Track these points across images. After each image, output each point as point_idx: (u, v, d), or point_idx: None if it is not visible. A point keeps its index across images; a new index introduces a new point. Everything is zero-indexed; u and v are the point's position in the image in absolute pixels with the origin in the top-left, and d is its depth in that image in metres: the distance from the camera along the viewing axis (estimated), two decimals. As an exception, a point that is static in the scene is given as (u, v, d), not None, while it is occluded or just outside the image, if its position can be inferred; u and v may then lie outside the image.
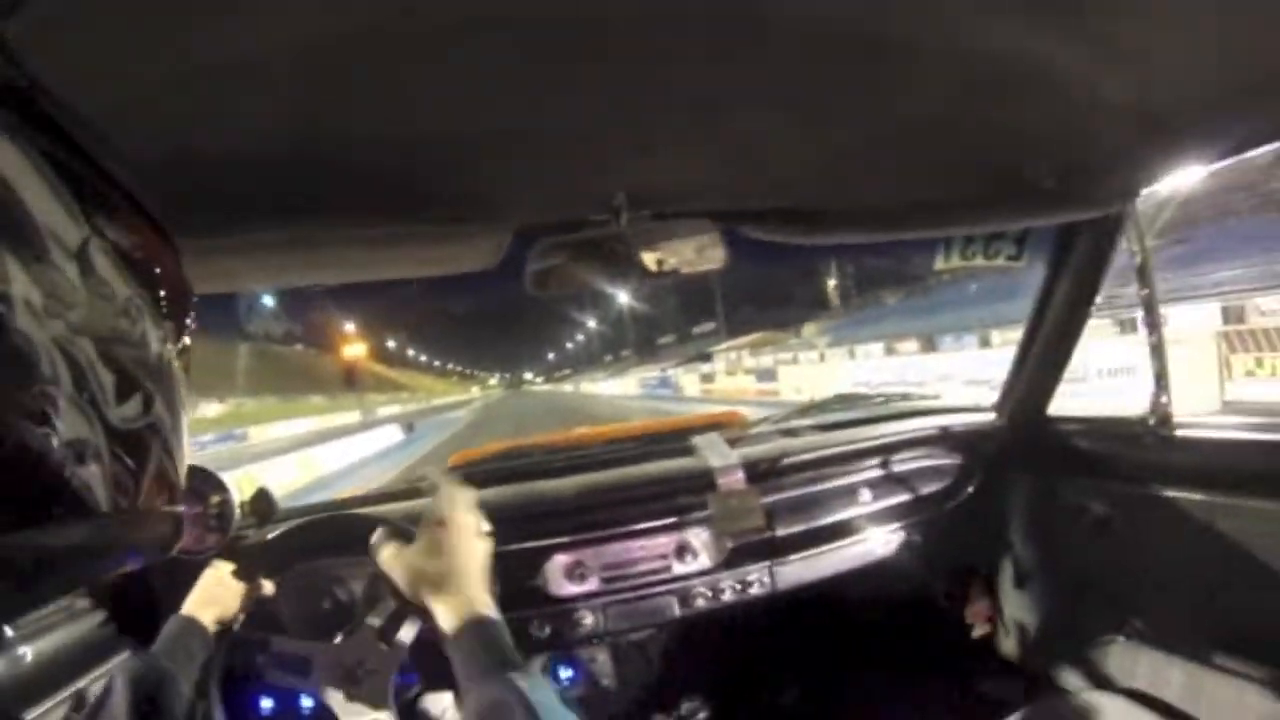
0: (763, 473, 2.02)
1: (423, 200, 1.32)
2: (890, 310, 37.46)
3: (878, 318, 36.51)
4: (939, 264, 1.95)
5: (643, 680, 2.09)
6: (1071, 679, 2.02)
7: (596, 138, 1.23)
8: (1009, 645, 2.30)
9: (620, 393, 51.41)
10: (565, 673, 1.99)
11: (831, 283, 50.34)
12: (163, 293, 0.58)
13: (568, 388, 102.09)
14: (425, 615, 1.23)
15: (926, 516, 2.15)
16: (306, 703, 1.69)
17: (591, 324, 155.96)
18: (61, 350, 0.46)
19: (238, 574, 1.48)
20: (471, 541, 1.20)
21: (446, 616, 1.08)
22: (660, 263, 1.51)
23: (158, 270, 0.58)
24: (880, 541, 2.09)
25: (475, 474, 2.16)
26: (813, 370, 26.39)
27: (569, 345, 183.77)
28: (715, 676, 2.10)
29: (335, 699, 1.47)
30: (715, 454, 2.01)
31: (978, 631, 2.34)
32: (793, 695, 2.36)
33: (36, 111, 0.52)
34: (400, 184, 1.25)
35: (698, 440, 2.09)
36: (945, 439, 2.24)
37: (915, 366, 19.02)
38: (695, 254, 1.53)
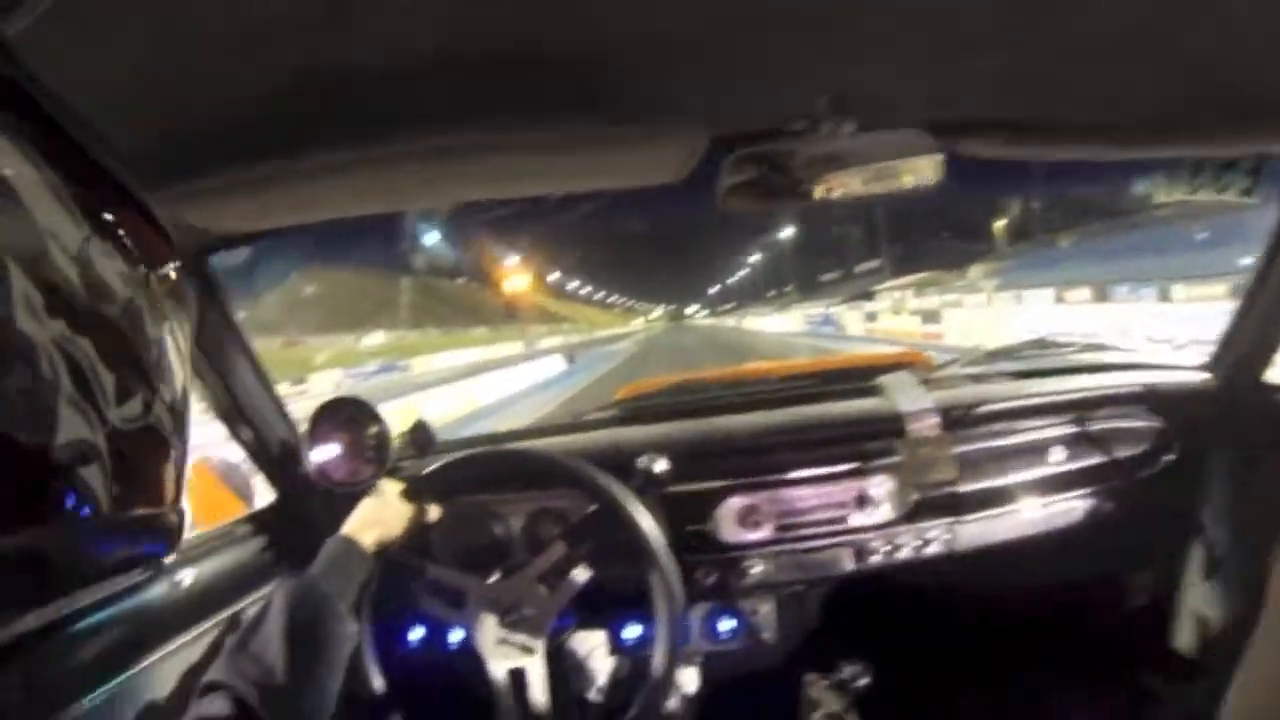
0: (956, 420, 1.90)
1: (609, 102, 1.24)
2: (1061, 255, 35.61)
3: (1048, 262, 34.81)
4: (1160, 195, 1.73)
5: (805, 637, 2.02)
6: (1255, 689, 1.81)
7: (801, 37, 1.12)
8: (1186, 639, 2.10)
9: (783, 329, 50.67)
10: (726, 624, 1.94)
11: (1001, 223, 48.38)
12: (163, 292, 0.60)
13: (730, 322, 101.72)
14: (594, 563, 1.21)
15: (1118, 484, 1.96)
16: (455, 636, 1.71)
17: (755, 258, 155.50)
18: (61, 350, 0.48)
19: (403, 497, 1.51)
20: None
21: None
22: (864, 179, 1.41)
23: (158, 270, 0.60)
24: (1066, 507, 1.93)
25: (645, 409, 2.16)
26: (979, 314, 25.71)
27: (731, 280, 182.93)
28: (881, 639, 2.00)
29: (486, 638, 1.48)
30: (906, 396, 1.90)
31: (1154, 619, 2.15)
32: (958, 667, 2.24)
33: (36, 111, 0.53)
34: (583, 85, 1.18)
35: (885, 380, 1.98)
36: (1147, 398, 2.02)
37: (1088, 317, 17.97)
38: (901, 170, 1.42)
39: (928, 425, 1.84)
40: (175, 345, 0.63)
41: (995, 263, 43.95)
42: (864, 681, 1.78)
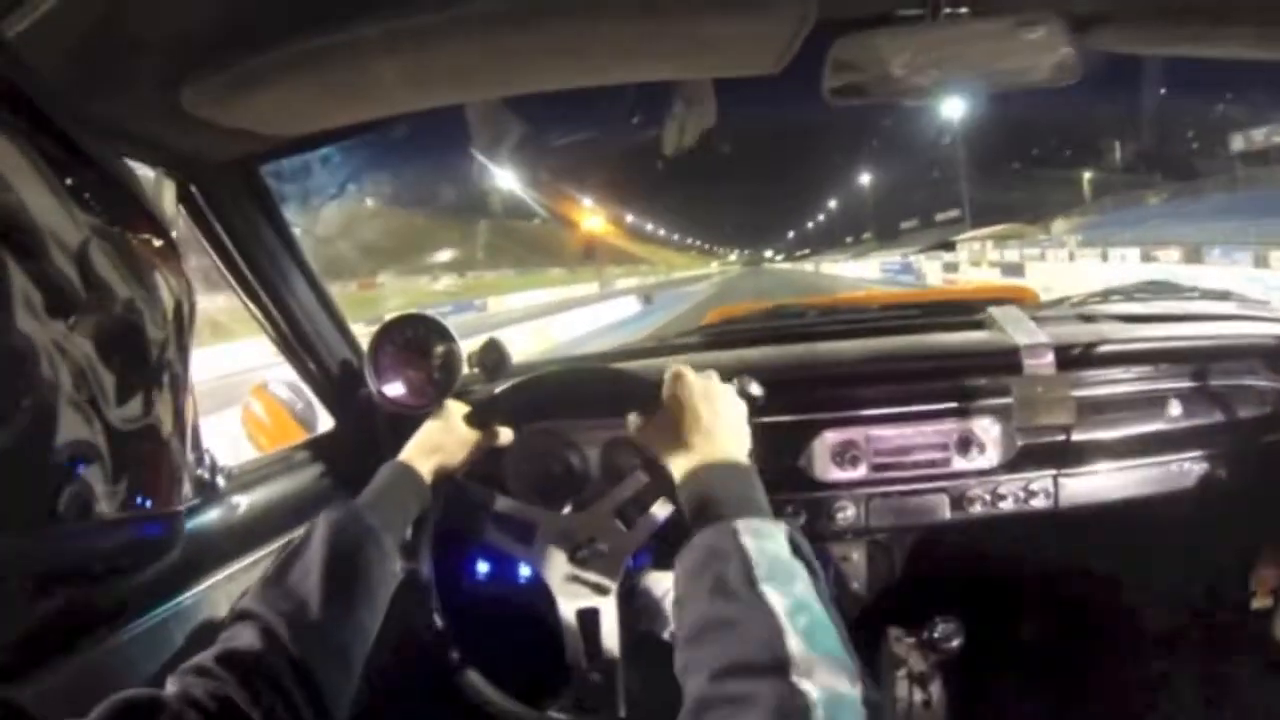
0: (1073, 359, 1.71)
1: None
2: (1150, 213, 34.94)
3: (1136, 220, 34.21)
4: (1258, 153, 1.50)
5: (894, 588, 1.89)
6: None
7: None
8: None
9: (861, 275, 50.53)
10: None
11: (1088, 176, 46.94)
12: (163, 292, 0.60)
13: (808, 267, 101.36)
14: (675, 497, 1.10)
15: (1236, 448, 1.75)
16: (524, 571, 1.61)
17: (833, 203, 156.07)
18: (61, 350, 0.49)
19: (469, 420, 1.40)
20: (724, 394, 1.17)
21: (688, 462, 1.08)
22: (981, 69, 1.27)
23: (158, 270, 0.60)
24: (1179, 469, 1.73)
25: (737, 333, 2.04)
26: (1062, 269, 25.01)
27: (808, 225, 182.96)
28: (974, 596, 1.86)
29: (555, 574, 1.37)
30: (1020, 329, 1.73)
31: (1258, 603, 1.93)
32: (1053, 635, 2.10)
33: (36, 111, 0.54)
34: None
35: (996, 312, 1.80)
36: (1277, 354, 1.80)
37: (1180, 278, 16.96)
38: (1020, 59, 1.26)
39: (1044, 363, 1.66)
40: (176, 344, 0.62)
41: (1080, 217, 43.39)
42: (955, 643, 1.63)
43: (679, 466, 1.09)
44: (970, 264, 35.98)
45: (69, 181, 0.54)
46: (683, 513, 1.05)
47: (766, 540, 0.88)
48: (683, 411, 1.13)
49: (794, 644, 0.74)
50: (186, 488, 0.67)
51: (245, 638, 0.93)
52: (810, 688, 0.69)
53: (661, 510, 1.33)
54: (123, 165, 0.62)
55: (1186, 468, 1.73)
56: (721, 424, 1.12)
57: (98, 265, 0.53)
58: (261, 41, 1.02)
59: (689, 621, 0.84)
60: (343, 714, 0.97)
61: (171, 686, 0.83)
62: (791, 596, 0.80)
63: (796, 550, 0.90)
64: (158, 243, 0.63)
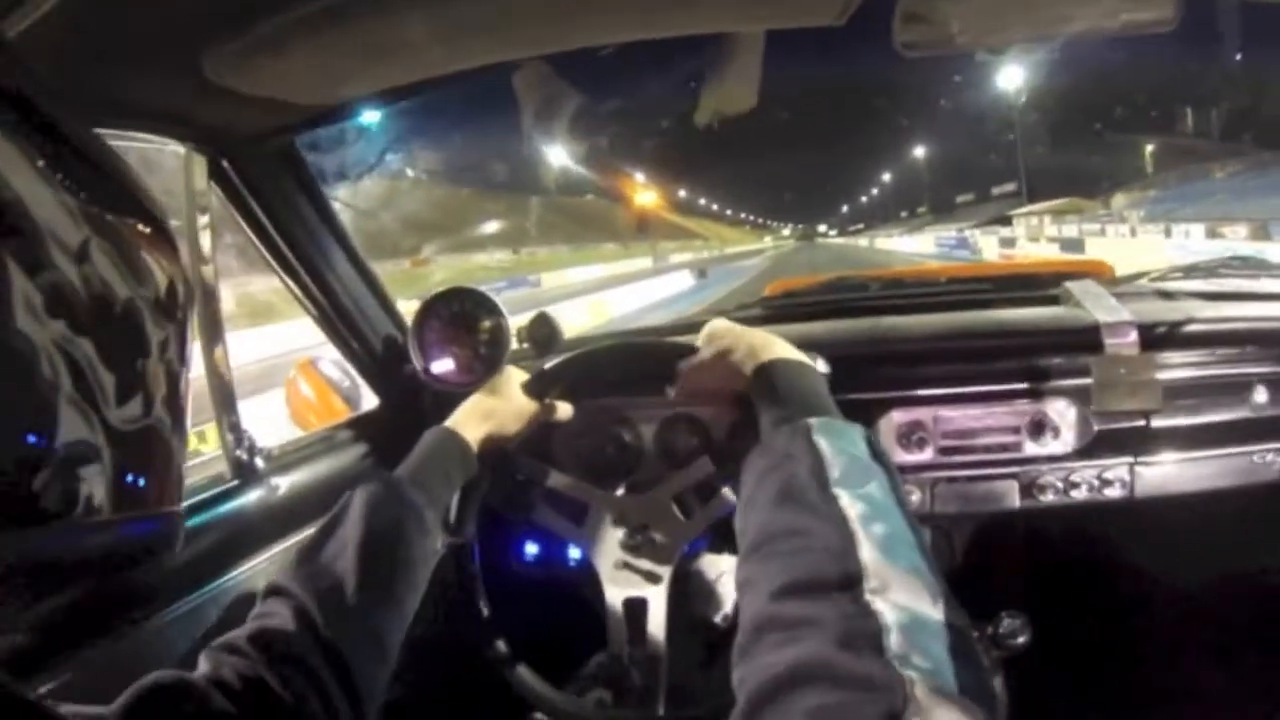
0: (1157, 339, 1.60)
1: None
2: (1214, 187, 33.40)
3: (1201, 194, 32.81)
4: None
5: (956, 577, 1.76)
6: None
7: None
8: None
9: (916, 250, 50.28)
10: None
11: (1149, 148, 46.04)
12: (163, 290, 0.60)
13: (862, 242, 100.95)
14: (738, 487, 1.04)
15: None
16: (574, 553, 1.57)
17: (887, 177, 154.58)
18: (61, 350, 0.48)
19: (527, 389, 1.35)
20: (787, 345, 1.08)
21: (751, 364, 1.02)
22: (1057, 17, 1.15)
23: (158, 270, 0.59)
24: (1263, 460, 1.60)
25: (799, 306, 1.99)
26: (1124, 245, 24.53)
27: (863, 198, 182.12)
28: (1039, 588, 1.80)
29: (605, 560, 1.33)
30: (1100, 305, 1.62)
31: None
32: (1125, 635, 1.99)
33: (36, 111, 0.53)
34: None
35: (1073, 286, 1.70)
36: None
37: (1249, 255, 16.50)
38: (1108, 6, 1.15)
39: (1127, 341, 1.55)
40: (176, 341, 0.61)
41: (1141, 192, 42.26)
42: (1021, 640, 1.55)
43: (746, 368, 1.03)
44: (1028, 239, 35.33)
45: (69, 180, 0.53)
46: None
47: (842, 440, 0.82)
48: (732, 335, 1.09)
49: (868, 555, 0.66)
50: (185, 486, 0.65)
51: (278, 617, 0.92)
52: (883, 607, 0.61)
53: (722, 503, 1.27)
54: (123, 161, 0.61)
55: (1270, 459, 1.61)
56: (773, 340, 1.07)
57: (98, 264, 0.53)
58: (279, 1, 0.96)
59: (752, 531, 0.77)
60: (376, 696, 0.96)
61: (203, 664, 0.83)
62: (868, 501, 0.73)
63: (875, 453, 0.82)
64: (158, 239, 0.61)
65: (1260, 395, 1.62)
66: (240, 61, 1.04)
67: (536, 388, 1.35)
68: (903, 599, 0.62)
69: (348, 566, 0.98)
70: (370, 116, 1.50)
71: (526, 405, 1.34)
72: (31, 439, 0.47)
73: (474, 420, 1.27)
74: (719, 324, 1.15)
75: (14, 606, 0.51)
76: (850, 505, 0.71)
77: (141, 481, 0.57)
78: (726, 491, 1.27)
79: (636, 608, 1.30)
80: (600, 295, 22.78)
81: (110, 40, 0.91)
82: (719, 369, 1.08)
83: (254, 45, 1.01)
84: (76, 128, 0.57)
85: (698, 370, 1.13)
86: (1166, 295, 1.84)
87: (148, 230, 0.61)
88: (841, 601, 0.63)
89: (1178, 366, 1.61)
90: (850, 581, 0.64)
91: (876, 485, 0.76)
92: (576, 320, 16.73)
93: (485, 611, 1.31)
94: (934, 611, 0.63)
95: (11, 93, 0.53)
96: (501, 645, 1.30)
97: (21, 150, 0.50)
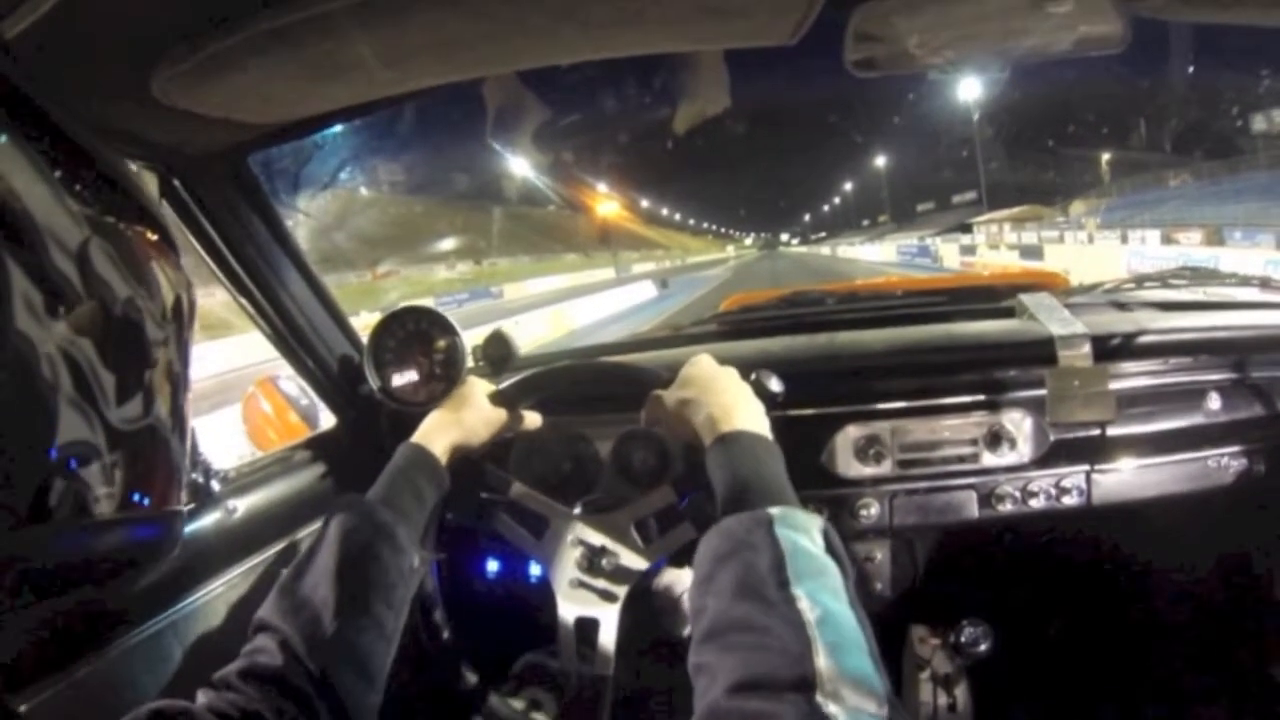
0: (1110, 350, 1.63)
1: None
2: (1170, 194, 34.58)
3: (1156, 201, 34.01)
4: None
5: (919, 588, 1.82)
6: None
7: None
8: None
9: (878, 258, 51.20)
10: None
11: (1106, 156, 47.37)
12: (163, 290, 0.60)
13: (824, 250, 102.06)
14: (699, 521, 1.04)
15: (1277, 443, 1.66)
16: (535, 570, 1.58)
17: (848, 186, 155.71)
18: (61, 350, 0.49)
19: (493, 399, 1.35)
20: (741, 383, 1.14)
21: (712, 434, 1.04)
22: (1006, 39, 1.18)
23: (158, 270, 0.60)
24: (1217, 465, 1.64)
25: (755, 321, 1.99)
26: (1082, 251, 25.29)
27: (824, 207, 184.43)
28: (1001, 596, 1.81)
29: (562, 577, 1.32)
30: (1053, 318, 1.64)
31: None
32: (1086, 640, 2.00)
33: (36, 111, 0.55)
34: None
35: (1027, 299, 1.72)
36: None
37: (1200, 261, 16.80)
38: (1046, 28, 1.17)
39: (1080, 354, 1.57)
40: (176, 342, 0.62)
41: (1098, 199, 43.19)
42: (983, 647, 1.56)
43: (704, 435, 1.05)
44: (988, 247, 36.05)
45: (68, 180, 0.54)
46: (705, 521, 0.99)
47: (800, 535, 0.84)
48: (702, 386, 1.11)
49: (822, 661, 0.69)
50: (186, 487, 0.66)
51: (265, 652, 0.93)
52: (835, 710, 0.65)
53: (683, 534, 1.27)
54: (121, 163, 0.62)
55: (1225, 463, 1.64)
56: (744, 401, 1.09)
57: (98, 265, 0.53)
58: (224, 22, 0.94)
59: (710, 616, 0.79)
60: (367, 718, 0.97)
61: (201, 699, 0.85)
62: (822, 605, 0.75)
63: (830, 546, 0.85)
64: (157, 241, 0.62)
65: (1214, 402, 1.66)
66: (189, 82, 1.01)
67: (505, 398, 1.35)
68: (853, 703, 0.66)
69: (326, 596, 0.99)
70: (325, 132, 1.48)
71: (494, 414, 1.33)
72: (34, 439, 0.48)
73: (441, 431, 1.27)
74: (699, 369, 1.15)
75: (15, 606, 0.51)
76: (809, 609, 0.74)
77: (143, 482, 0.57)
78: (685, 527, 1.26)
79: (587, 627, 1.29)
80: (562, 306, 22.74)
81: (63, 56, 0.88)
82: (683, 416, 1.10)
83: (202, 66, 0.99)
84: (81, 132, 0.57)
85: (663, 408, 1.15)
86: (1120, 306, 1.87)
87: (149, 234, 0.62)
88: (797, 702, 0.66)
89: (1132, 375, 1.64)
90: (805, 685, 0.67)
91: (831, 584, 0.79)
92: (537, 332, 16.69)
93: (443, 625, 1.30)
94: (878, 715, 0.67)
95: (12, 93, 0.54)
96: (457, 660, 1.29)
97: (26, 154, 0.51)
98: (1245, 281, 2.07)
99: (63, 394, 0.49)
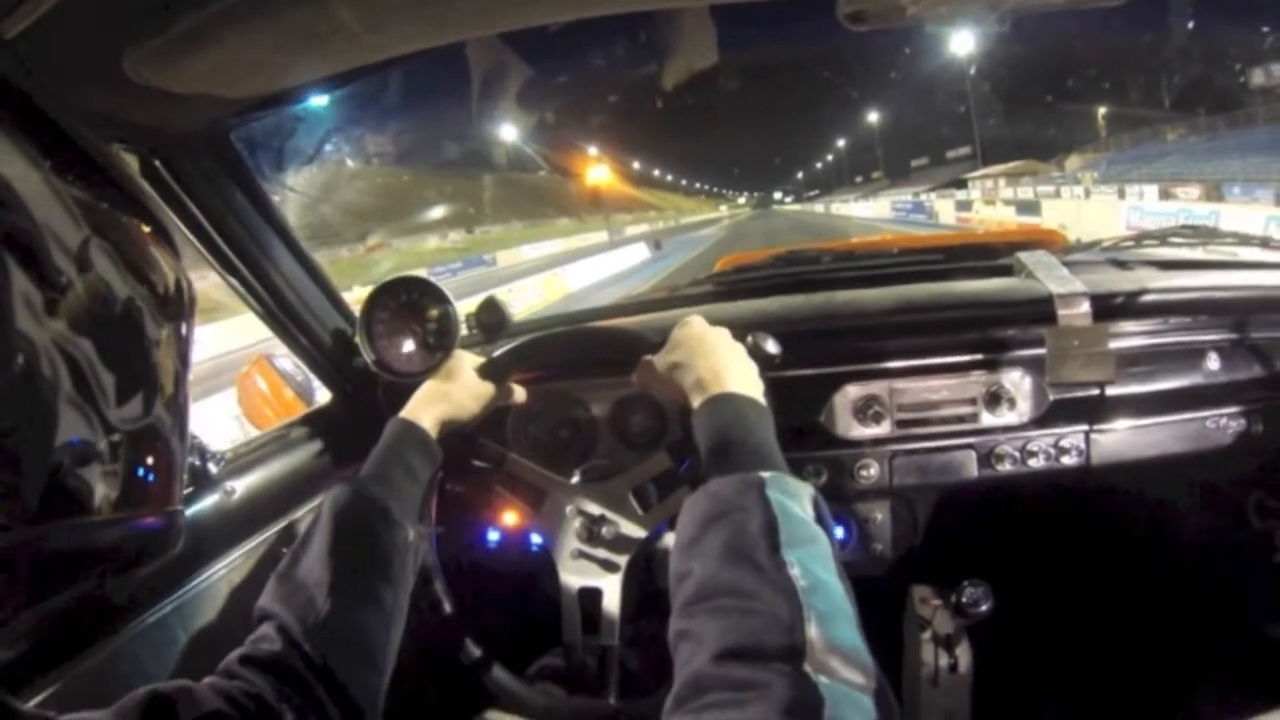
0: (1109, 309, 1.62)
1: None
2: (1168, 149, 34.11)
3: (1154, 156, 33.50)
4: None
5: (919, 548, 1.81)
6: None
7: None
8: None
9: (873, 215, 51.18)
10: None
11: (1103, 110, 46.68)
12: (162, 288, 0.60)
13: (818, 208, 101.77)
14: (697, 486, 1.04)
15: (1276, 404, 1.66)
16: (535, 540, 1.56)
17: (842, 142, 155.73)
18: (61, 350, 0.49)
19: (481, 372, 1.34)
20: (733, 344, 1.12)
21: (703, 394, 1.03)
22: None
23: (158, 270, 0.60)
24: (1216, 425, 1.64)
25: (750, 281, 1.98)
26: (1079, 207, 25.14)
27: (818, 164, 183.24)
28: (1001, 556, 1.80)
29: (563, 548, 1.31)
30: (1052, 276, 1.64)
31: None
32: (1086, 600, 2.03)
33: (36, 111, 0.55)
34: None
35: (1025, 257, 1.71)
36: None
37: (1199, 216, 16.92)
38: None
39: (1079, 312, 1.57)
40: (176, 339, 0.62)
41: (1095, 153, 42.75)
42: (984, 608, 1.56)
43: (693, 398, 1.04)
44: (984, 202, 35.75)
45: (63, 174, 0.54)
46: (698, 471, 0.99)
47: (792, 501, 0.83)
48: (691, 349, 1.09)
49: (813, 631, 0.68)
50: (186, 483, 0.68)
51: (265, 639, 0.94)
52: (824, 680, 0.65)
53: (681, 500, 1.26)
54: (122, 161, 0.66)
55: (1224, 424, 1.64)
56: (736, 363, 1.08)
57: (97, 263, 0.54)
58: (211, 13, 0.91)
59: (697, 580, 0.78)
60: (373, 697, 0.98)
61: (204, 684, 0.85)
62: (813, 574, 0.74)
63: (819, 516, 0.84)
64: (156, 237, 0.62)
65: (1213, 362, 1.65)
66: (163, 59, 0.98)
67: (493, 370, 1.34)
68: (841, 674, 0.66)
69: (321, 577, 0.99)
70: (308, 105, 1.45)
71: (482, 387, 1.33)
72: (33, 439, 0.47)
73: (429, 406, 1.26)
74: (689, 331, 1.13)
75: (16, 604, 0.51)
76: (800, 577, 0.73)
77: (144, 481, 0.58)
78: (685, 490, 1.24)
79: (590, 597, 1.29)
80: (556, 271, 22.69)
81: (32, 39, 0.86)
82: (673, 379, 1.09)
83: (176, 41, 0.96)
84: (78, 127, 0.58)
85: (652, 372, 1.14)
86: (1119, 264, 1.86)
87: (148, 230, 0.62)
88: (786, 671, 0.65)
89: (1131, 335, 1.63)
90: (795, 654, 0.66)
91: (821, 553, 0.78)
92: (532, 298, 16.65)
93: (444, 598, 1.30)
94: (866, 687, 0.66)
95: (12, 93, 0.55)
96: (460, 633, 1.29)
97: (22, 150, 0.51)
98: (1246, 240, 2.06)
99: (63, 392, 0.49)
